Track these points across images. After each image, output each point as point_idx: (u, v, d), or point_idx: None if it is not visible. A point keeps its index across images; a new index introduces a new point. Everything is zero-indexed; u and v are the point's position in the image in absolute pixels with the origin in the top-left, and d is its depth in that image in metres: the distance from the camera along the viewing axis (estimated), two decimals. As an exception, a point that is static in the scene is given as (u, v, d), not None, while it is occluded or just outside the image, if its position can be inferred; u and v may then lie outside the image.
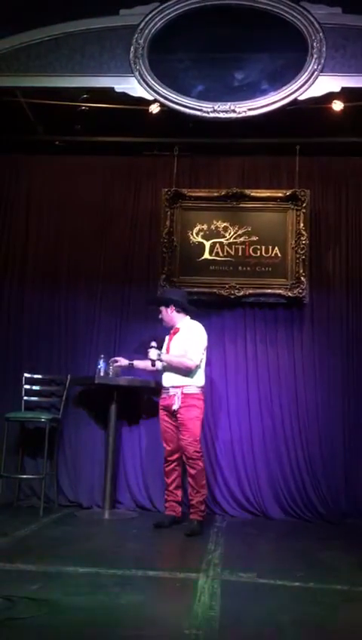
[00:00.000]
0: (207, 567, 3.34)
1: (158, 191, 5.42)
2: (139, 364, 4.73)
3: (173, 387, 4.48)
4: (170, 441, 4.53)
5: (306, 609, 2.72)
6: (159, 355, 4.50)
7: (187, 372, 4.45)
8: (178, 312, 4.66)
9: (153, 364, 4.51)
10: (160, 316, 4.72)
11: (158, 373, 4.65)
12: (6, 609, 2.47)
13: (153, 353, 4.48)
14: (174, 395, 4.45)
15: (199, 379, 4.50)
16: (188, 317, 4.70)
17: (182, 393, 4.42)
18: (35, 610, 2.46)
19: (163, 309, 4.69)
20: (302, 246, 5.21)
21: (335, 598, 2.92)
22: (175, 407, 4.42)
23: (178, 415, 4.42)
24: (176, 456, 4.52)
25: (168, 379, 4.53)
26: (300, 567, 3.40)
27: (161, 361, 4.52)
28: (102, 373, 4.89)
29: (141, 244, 5.47)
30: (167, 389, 4.53)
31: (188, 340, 4.53)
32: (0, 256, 5.53)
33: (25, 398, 5.13)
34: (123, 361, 4.81)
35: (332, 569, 3.48)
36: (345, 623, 2.61)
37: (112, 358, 4.88)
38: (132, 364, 4.77)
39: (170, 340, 4.67)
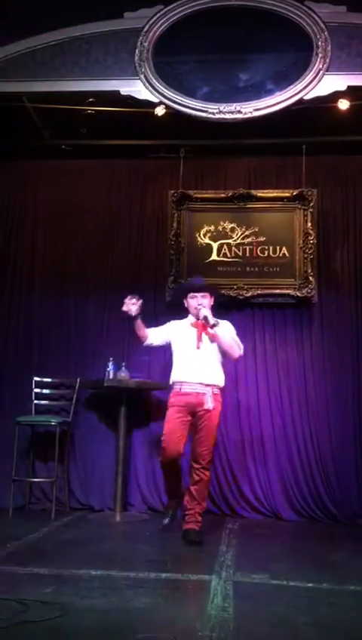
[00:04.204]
0: (219, 568, 3.32)
1: (165, 193, 5.42)
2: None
3: (201, 385, 3.96)
4: (172, 443, 3.92)
5: (320, 610, 2.70)
6: (216, 321, 3.92)
7: (224, 364, 4.06)
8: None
9: (207, 322, 3.94)
10: (197, 303, 4.06)
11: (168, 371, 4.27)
12: (19, 612, 2.47)
13: (206, 312, 3.93)
14: (204, 393, 3.94)
15: (223, 379, 4.11)
16: None
17: (213, 394, 3.98)
18: (48, 613, 2.46)
19: (209, 297, 4.16)
20: (309, 245, 5.19)
21: (348, 599, 2.90)
22: (207, 406, 3.91)
23: (205, 418, 3.93)
24: (175, 463, 4.00)
25: (198, 374, 3.96)
26: (312, 568, 3.38)
27: (216, 325, 3.96)
28: (111, 376, 4.89)
29: (148, 246, 5.48)
30: (194, 385, 3.96)
31: (232, 331, 4.11)
32: (9, 261, 5.56)
33: (35, 401, 5.14)
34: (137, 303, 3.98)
35: (345, 569, 3.46)
36: (359, 623, 2.59)
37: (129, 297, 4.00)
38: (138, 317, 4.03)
39: (199, 333, 4.05)
